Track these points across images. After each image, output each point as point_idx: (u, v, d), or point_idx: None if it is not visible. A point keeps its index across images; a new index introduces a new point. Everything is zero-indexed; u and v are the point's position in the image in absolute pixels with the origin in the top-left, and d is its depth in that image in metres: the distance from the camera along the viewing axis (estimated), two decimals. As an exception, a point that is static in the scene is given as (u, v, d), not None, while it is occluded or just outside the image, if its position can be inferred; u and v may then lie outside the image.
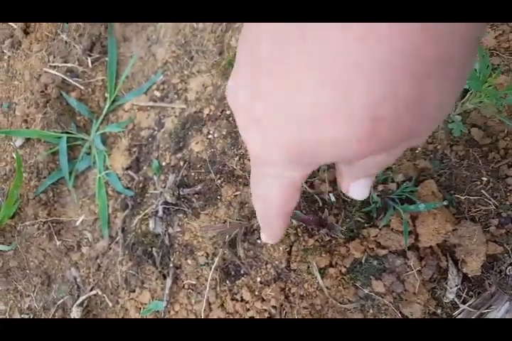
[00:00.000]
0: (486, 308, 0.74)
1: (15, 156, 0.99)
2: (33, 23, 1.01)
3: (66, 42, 0.99)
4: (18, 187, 0.93)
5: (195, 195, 0.85)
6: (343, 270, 0.78)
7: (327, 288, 0.77)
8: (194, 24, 0.96)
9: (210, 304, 0.82)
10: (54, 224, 0.96)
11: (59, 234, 0.96)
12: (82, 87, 0.98)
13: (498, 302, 0.74)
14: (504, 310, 0.73)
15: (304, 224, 0.79)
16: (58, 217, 0.96)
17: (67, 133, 0.96)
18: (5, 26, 1.04)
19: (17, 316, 0.98)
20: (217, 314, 0.82)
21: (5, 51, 1.02)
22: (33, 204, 0.96)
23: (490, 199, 0.75)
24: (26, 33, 1.03)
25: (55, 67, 0.96)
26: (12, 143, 0.99)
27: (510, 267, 0.73)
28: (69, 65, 0.96)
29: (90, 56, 0.98)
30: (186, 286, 0.84)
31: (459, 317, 0.72)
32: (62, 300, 0.94)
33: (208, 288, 0.82)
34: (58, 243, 0.94)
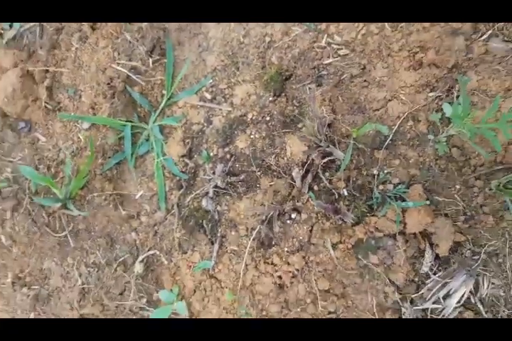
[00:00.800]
0: (450, 278, 1.05)
1: (81, 137, 1.20)
2: (99, 23, 1.17)
3: (130, 42, 1.17)
4: (89, 164, 1.15)
5: (240, 183, 1.10)
6: (349, 246, 1.08)
7: (336, 258, 1.07)
8: (241, 38, 1.15)
9: (247, 265, 1.11)
10: (117, 196, 1.21)
11: (122, 204, 1.21)
12: (143, 83, 1.18)
13: (458, 275, 1.05)
14: (462, 280, 1.04)
15: (323, 211, 1.06)
16: (121, 191, 1.20)
17: (130, 121, 1.17)
18: (74, 23, 1.19)
19: (83, 269, 1.24)
20: (252, 273, 1.11)
21: (73, 43, 1.20)
22: (100, 179, 1.20)
23: (460, 202, 1.04)
24: (93, 28, 1.20)
25: (119, 63, 1.14)
26: (79, 126, 1.19)
27: (469, 251, 1.04)
28: (133, 63, 1.16)
29: (151, 57, 1.18)
30: (229, 251, 1.12)
31: (429, 284, 1.03)
32: (123, 258, 1.22)
33: (246, 253, 1.10)
34: (121, 212, 1.18)
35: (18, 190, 1.27)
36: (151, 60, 1.19)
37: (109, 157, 1.21)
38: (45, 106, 1.25)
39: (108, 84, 1.17)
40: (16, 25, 1.29)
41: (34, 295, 1.33)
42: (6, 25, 1.32)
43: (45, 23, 1.24)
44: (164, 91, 1.19)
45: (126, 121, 1.18)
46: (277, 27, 1.15)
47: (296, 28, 1.13)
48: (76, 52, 1.23)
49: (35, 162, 1.28)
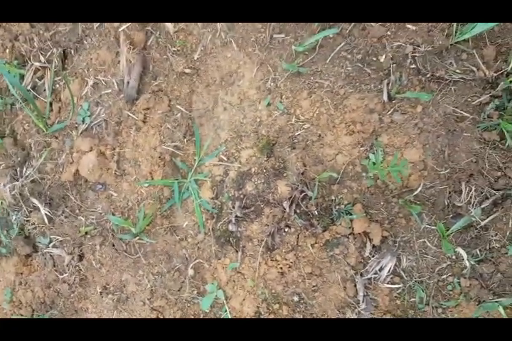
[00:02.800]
0: (381, 258, 1.78)
1: (143, 191, 1.88)
2: (147, 117, 1.85)
3: (170, 128, 1.86)
4: (153, 209, 1.83)
5: (251, 212, 1.81)
6: (321, 244, 1.80)
7: (314, 252, 1.79)
8: (241, 120, 1.85)
9: (260, 263, 1.82)
10: (172, 227, 1.90)
11: (175, 232, 1.91)
12: (182, 154, 1.88)
13: (386, 255, 1.78)
14: (389, 258, 1.78)
15: (304, 225, 1.78)
16: (173, 224, 1.89)
17: (176, 179, 1.86)
18: (131, 118, 1.87)
19: (151, 277, 1.91)
20: (263, 267, 1.82)
21: (131, 132, 1.87)
22: (160, 218, 1.89)
23: (384, 212, 1.78)
24: (144, 122, 1.89)
25: (165, 144, 1.84)
26: (141, 185, 1.87)
27: (391, 241, 1.78)
28: (174, 143, 1.86)
29: (185, 138, 1.90)
30: (248, 255, 1.84)
31: (370, 263, 1.76)
32: (178, 267, 1.91)
33: (259, 256, 1.80)
34: (175, 237, 1.87)
35: (102, 230, 1.96)
36: (185, 140, 1.93)
37: (164, 203, 1.92)
38: (115, 173, 1.94)
39: (159, 157, 1.87)
40: (87, 120, 1.97)
41: (116, 299, 2.00)
42: (79, 121, 2.00)
43: (108, 119, 1.92)
44: (196, 158, 1.92)
45: (174, 180, 1.89)
46: (264, 111, 1.86)
47: (275, 112, 1.85)
48: (133, 138, 1.93)
49: (111, 210, 1.97)
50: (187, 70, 1.94)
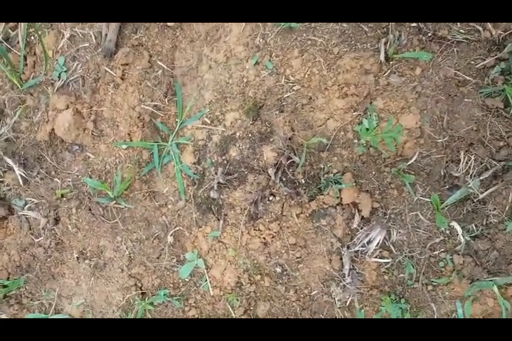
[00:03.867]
0: (370, 231, 1.70)
1: (121, 154, 1.80)
2: (126, 74, 1.73)
3: (150, 86, 1.75)
4: (131, 172, 1.75)
5: (234, 179, 1.73)
6: (307, 215, 1.73)
7: (299, 223, 1.71)
8: (227, 79, 1.73)
9: (242, 232, 1.75)
10: (151, 193, 1.82)
11: (154, 198, 1.83)
12: (162, 115, 1.78)
13: (375, 228, 1.71)
14: (378, 231, 1.70)
15: (289, 194, 1.69)
16: (153, 189, 1.82)
17: (156, 142, 1.76)
18: (109, 74, 1.76)
19: (129, 243, 1.85)
20: (246, 237, 1.75)
21: (109, 90, 1.78)
22: (139, 182, 1.82)
23: (375, 182, 1.69)
24: (122, 79, 1.78)
25: (145, 103, 1.73)
26: (119, 146, 1.78)
27: (382, 213, 1.69)
28: (154, 103, 1.75)
29: (166, 97, 1.79)
30: (230, 224, 1.77)
31: (358, 235, 1.68)
32: (157, 234, 1.85)
33: (241, 225, 1.73)
34: (155, 203, 1.80)
35: (78, 193, 1.89)
36: (166, 100, 1.82)
37: (143, 167, 1.83)
38: (92, 134, 1.84)
39: (138, 117, 1.77)
40: (63, 76, 1.86)
41: (94, 265, 1.96)
42: (55, 76, 1.88)
43: (85, 75, 1.81)
44: (177, 120, 1.81)
45: (154, 142, 1.79)
46: (251, 71, 1.74)
47: (264, 72, 1.73)
48: (111, 96, 1.82)
49: (88, 173, 1.89)
50: (170, 23, 1.82)
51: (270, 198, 1.73)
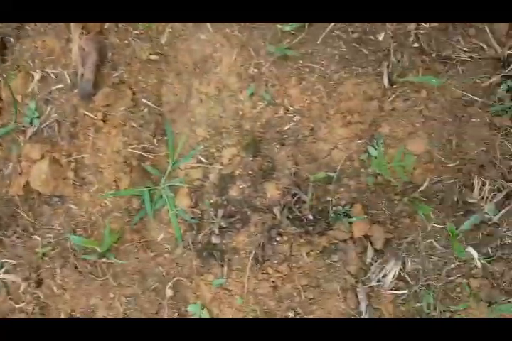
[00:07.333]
0: (385, 264, 1.64)
1: (107, 202, 1.66)
2: (108, 116, 1.62)
3: (136, 127, 1.64)
4: (121, 224, 1.62)
5: (237, 221, 1.62)
6: (318, 252, 1.65)
7: (310, 262, 1.64)
8: (220, 113, 1.65)
9: (249, 277, 1.63)
10: (144, 242, 1.69)
11: (148, 247, 1.70)
12: (152, 157, 1.67)
13: (390, 260, 1.65)
14: (393, 263, 1.64)
15: (297, 232, 1.61)
16: (146, 238, 1.68)
17: (146, 187, 1.64)
18: (88, 117, 1.65)
19: (123, 300, 1.70)
20: (253, 282, 1.65)
21: (89, 134, 1.66)
22: (130, 233, 1.68)
23: (386, 212, 1.64)
24: (104, 121, 1.66)
25: (132, 147, 1.62)
26: (105, 197, 1.65)
27: (395, 244, 1.64)
28: (142, 145, 1.65)
29: (155, 137, 1.68)
30: (235, 269, 1.66)
31: (372, 269, 1.62)
32: (154, 286, 1.70)
33: (248, 269, 1.62)
34: (149, 253, 1.66)
35: (62, 250, 1.72)
36: (155, 140, 1.71)
37: (134, 215, 1.71)
38: (73, 183, 1.70)
39: (124, 162, 1.66)
40: (36, 122, 1.73)
41: (84, 327, 1.78)
42: (26, 123, 1.75)
43: (61, 120, 1.68)
44: (169, 160, 1.71)
45: (144, 188, 1.68)
46: (247, 103, 1.67)
47: (260, 103, 1.67)
48: (93, 141, 1.70)
49: (71, 227, 1.74)
50: (153, 57, 1.74)
51: (277, 239, 1.64)
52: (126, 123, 1.70)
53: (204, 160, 1.71)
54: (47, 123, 1.75)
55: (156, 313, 1.75)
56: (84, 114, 1.71)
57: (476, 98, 1.59)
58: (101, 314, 1.77)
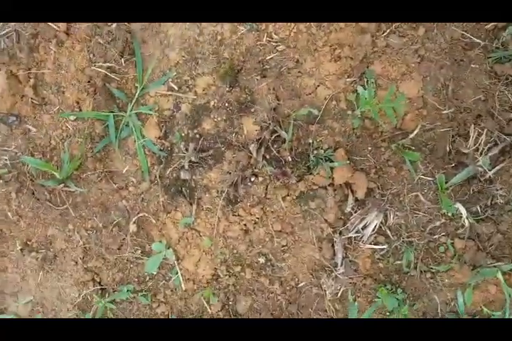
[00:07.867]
0: (366, 214, 1.54)
1: (69, 126, 1.52)
2: (72, 28, 1.43)
3: (102, 44, 1.46)
4: (81, 149, 1.48)
5: (209, 157, 1.50)
6: (294, 197, 1.54)
7: (286, 207, 1.53)
8: (196, 36, 1.47)
9: (219, 218, 1.54)
10: (107, 173, 1.57)
11: (111, 179, 1.58)
12: (118, 79, 1.51)
13: (371, 211, 1.54)
14: (374, 215, 1.54)
15: (274, 174, 1.49)
16: (110, 168, 1.56)
17: (111, 112, 1.49)
18: (50, 28, 1.45)
19: (83, 233, 1.61)
20: (223, 223, 1.56)
21: (51, 47, 1.48)
22: (92, 160, 1.55)
23: (371, 159, 1.52)
24: (67, 34, 1.47)
25: (96, 65, 1.45)
26: (66, 117, 1.50)
27: (378, 194, 1.53)
28: (108, 64, 1.48)
29: (123, 57, 1.50)
30: (205, 209, 1.56)
31: (352, 220, 1.52)
32: (117, 221, 1.60)
33: (218, 209, 1.52)
34: (112, 185, 1.54)
35: (18, 174, 1.60)
36: (123, 60, 1.52)
37: (97, 142, 1.56)
38: (32, 102, 1.55)
39: (88, 82, 1.49)
40: (-8, 31, 1.53)
41: (42, 257, 1.71)
42: (-19, 32, 1.54)
43: (20, 29, 1.49)
44: (137, 85, 1.54)
45: (109, 112, 1.52)
46: (226, 26, 1.48)
47: (242, 28, 1.48)
48: (55, 55, 1.52)
49: (29, 149, 1.61)
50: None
51: (252, 179, 1.53)
52: (91, 39, 1.51)
53: (176, 87, 1.55)
54: (4, 32, 1.57)
55: (118, 249, 1.67)
56: (46, 24, 1.52)
57: (478, 40, 1.43)
58: (59, 246, 1.69)
